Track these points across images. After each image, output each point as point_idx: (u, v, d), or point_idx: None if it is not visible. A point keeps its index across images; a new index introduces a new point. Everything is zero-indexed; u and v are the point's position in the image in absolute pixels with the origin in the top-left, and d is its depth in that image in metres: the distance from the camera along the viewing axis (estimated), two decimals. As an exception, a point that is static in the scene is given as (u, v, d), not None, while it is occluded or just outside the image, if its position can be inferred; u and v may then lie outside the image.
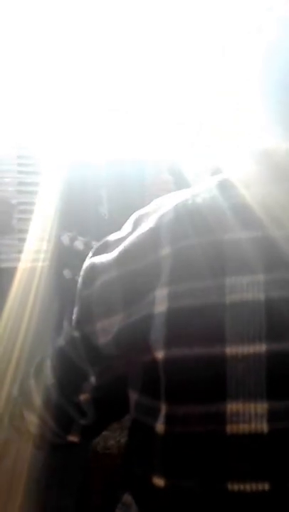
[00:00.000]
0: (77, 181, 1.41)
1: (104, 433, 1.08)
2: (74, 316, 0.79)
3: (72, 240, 1.01)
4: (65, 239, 1.00)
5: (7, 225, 1.35)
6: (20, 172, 1.47)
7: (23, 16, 1.48)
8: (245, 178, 0.76)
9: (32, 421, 0.87)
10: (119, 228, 0.80)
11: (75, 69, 1.49)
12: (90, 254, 0.81)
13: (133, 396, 0.75)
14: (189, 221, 0.73)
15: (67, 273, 1.01)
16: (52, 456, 1.03)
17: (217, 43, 0.91)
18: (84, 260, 1.01)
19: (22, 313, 1.17)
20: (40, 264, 1.24)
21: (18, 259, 1.32)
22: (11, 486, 1.18)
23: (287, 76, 0.77)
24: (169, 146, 1.49)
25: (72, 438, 0.86)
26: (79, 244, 1.00)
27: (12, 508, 1.19)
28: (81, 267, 1.00)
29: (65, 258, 1.01)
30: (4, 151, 1.46)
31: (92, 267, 0.78)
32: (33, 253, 1.29)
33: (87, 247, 1.00)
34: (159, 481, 0.68)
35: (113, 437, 1.23)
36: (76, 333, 0.79)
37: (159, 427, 0.68)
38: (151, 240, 0.73)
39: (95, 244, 1.04)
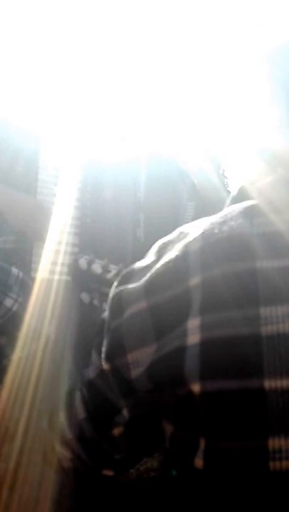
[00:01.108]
0: (113, 202, 1.42)
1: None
2: (104, 349, 0.77)
3: (90, 263, 1.01)
4: (83, 262, 1.00)
5: (43, 235, 1.36)
6: (55, 184, 1.48)
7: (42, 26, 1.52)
8: (272, 204, 0.75)
9: (65, 455, 0.86)
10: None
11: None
12: (116, 283, 0.80)
13: (168, 428, 0.73)
14: (218, 250, 0.71)
15: (84, 297, 1.01)
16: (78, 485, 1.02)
17: (222, 50, 0.91)
18: (102, 283, 1.00)
19: (40, 326, 1.17)
20: (58, 277, 1.24)
21: (50, 270, 1.32)
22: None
23: None
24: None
25: (107, 472, 0.85)
26: (96, 268, 1.00)
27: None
28: (99, 290, 1.00)
29: (83, 282, 1.01)
30: (43, 162, 1.47)
31: (120, 297, 0.77)
32: (52, 265, 1.29)
33: (105, 270, 0.99)
34: None
35: (132, 465, 1.21)
36: (106, 366, 0.77)
37: (198, 462, 0.67)
38: (179, 270, 0.72)
39: (114, 268, 1.03)
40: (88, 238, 1.39)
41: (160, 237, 0.80)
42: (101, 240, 1.40)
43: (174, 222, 1.47)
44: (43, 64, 1.57)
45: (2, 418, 1.13)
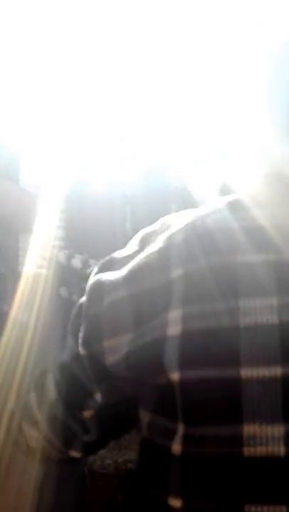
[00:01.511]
0: (98, 198, 1.42)
1: (101, 452, 1.08)
2: (80, 334, 0.78)
3: (70, 257, 1.01)
4: (62, 257, 1.01)
5: (30, 226, 1.35)
6: (40, 175, 1.47)
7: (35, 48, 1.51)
8: (256, 199, 0.76)
9: (32, 435, 0.86)
10: None
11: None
12: (95, 270, 0.81)
13: (145, 416, 0.75)
14: (201, 242, 0.72)
15: (63, 291, 1.01)
16: (49, 472, 1.02)
17: (222, 65, 0.91)
18: (82, 278, 1.01)
19: (26, 321, 1.17)
20: (44, 270, 1.24)
21: (38, 264, 1.32)
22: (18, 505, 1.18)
23: None
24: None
25: (74, 453, 0.85)
26: (76, 263, 1.01)
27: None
28: (78, 285, 1.01)
29: (62, 276, 1.02)
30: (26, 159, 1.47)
31: (99, 285, 0.77)
32: (39, 258, 1.29)
33: (85, 265, 1.00)
34: (175, 502, 0.68)
35: (110, 457, 1.23)
36: (83, 351, 0.78)
37: (176, 447, 0.68)
38: (161, 260, 0.73)
39: (94, 262, 1.04)
40: (76, 232, 1.39)
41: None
42: (91, 235, 1.41)
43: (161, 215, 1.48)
44: (27, 76, 1.56)
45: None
